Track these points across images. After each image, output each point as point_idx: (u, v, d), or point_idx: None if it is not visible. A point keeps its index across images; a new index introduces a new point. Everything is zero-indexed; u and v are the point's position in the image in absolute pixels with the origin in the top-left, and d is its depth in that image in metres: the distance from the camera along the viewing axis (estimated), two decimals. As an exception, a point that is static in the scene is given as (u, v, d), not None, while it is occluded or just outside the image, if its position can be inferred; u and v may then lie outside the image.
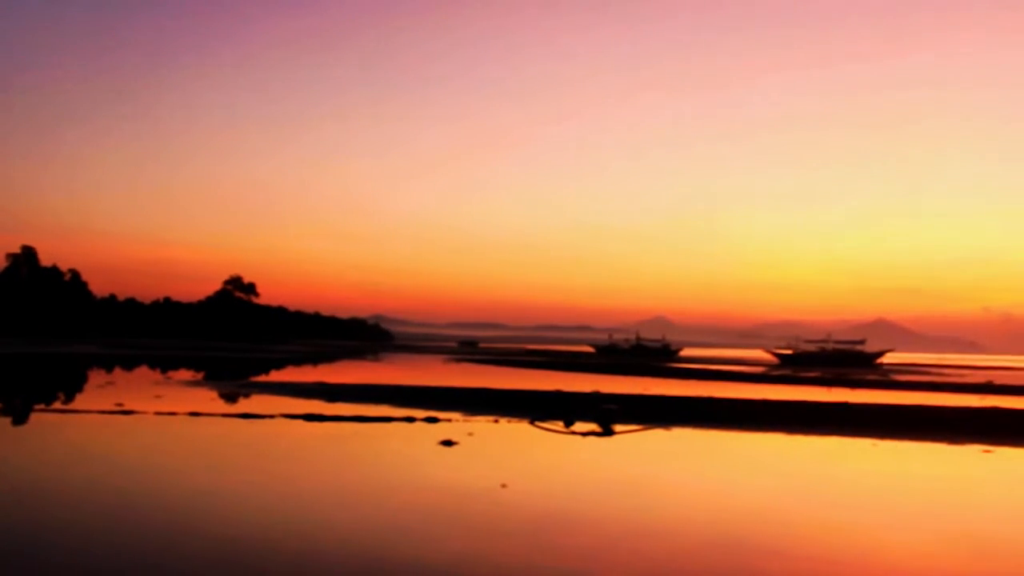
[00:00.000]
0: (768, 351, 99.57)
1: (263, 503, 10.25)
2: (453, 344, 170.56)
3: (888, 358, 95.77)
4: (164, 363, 46.34)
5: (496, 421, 19.71)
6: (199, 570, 7.35)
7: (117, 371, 38.68)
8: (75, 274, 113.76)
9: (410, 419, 19.20)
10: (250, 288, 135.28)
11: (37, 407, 21.43)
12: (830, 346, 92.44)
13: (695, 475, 13.81)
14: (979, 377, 58.73)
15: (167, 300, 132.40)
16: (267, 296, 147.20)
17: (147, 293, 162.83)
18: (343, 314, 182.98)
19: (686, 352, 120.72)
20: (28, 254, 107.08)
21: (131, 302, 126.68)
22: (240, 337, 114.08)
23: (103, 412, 19.24)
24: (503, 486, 11.55)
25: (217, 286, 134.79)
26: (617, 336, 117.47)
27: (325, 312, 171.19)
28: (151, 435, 16.25)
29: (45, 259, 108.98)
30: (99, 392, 25.52)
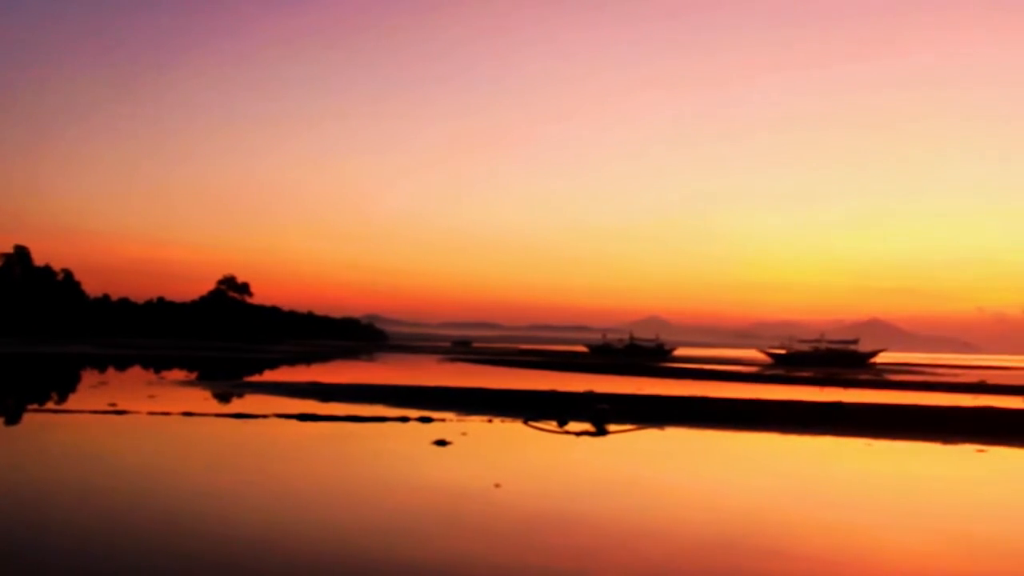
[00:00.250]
0: (762, 351, 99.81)
1: (257, 503, 10.23)
2: (447, 344, 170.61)
3: (881, 358, 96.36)
4: (157, 363, 46.22)
5: (490, 421, 19.70)
6: (193, 570, 7.33)
7: (110, 371, 38.58)
8: (68, 274, 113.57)
9: (404, 419, 19.17)
10: (244, 288, 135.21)
11: (30, 407, 21.37)
12: (823, 346, 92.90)
13: (689, 475, 13.83)
14: (972, 377, 58.92)
15: (160, 300, 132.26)
16: (261, 296, 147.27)
17: (141, 293, 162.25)
18: (337, 314, 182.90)
19: (680, 352, 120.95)
20: (21, 254, 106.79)
21: (124, 302, 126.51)
22: (234, 337, 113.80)
23: (96, 412, 19.18)
24: (497, 486, 11.54)
25: (211, 286, 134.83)
26: (611, 336, 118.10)
27: (319, 312, 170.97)
28: (144, 435, 16.20)
29: (39, 259, 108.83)
30: (92, 392, 25.46)
